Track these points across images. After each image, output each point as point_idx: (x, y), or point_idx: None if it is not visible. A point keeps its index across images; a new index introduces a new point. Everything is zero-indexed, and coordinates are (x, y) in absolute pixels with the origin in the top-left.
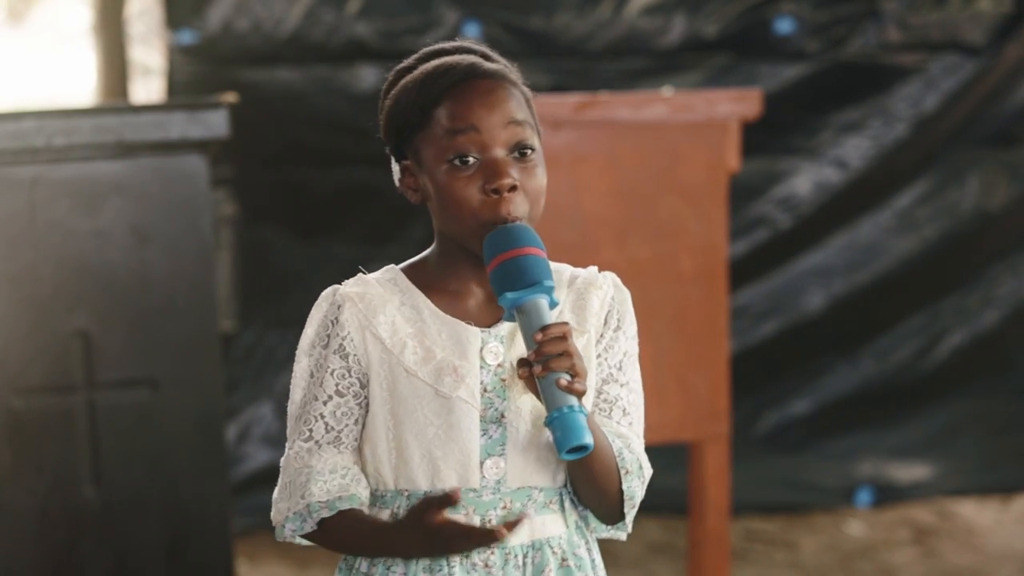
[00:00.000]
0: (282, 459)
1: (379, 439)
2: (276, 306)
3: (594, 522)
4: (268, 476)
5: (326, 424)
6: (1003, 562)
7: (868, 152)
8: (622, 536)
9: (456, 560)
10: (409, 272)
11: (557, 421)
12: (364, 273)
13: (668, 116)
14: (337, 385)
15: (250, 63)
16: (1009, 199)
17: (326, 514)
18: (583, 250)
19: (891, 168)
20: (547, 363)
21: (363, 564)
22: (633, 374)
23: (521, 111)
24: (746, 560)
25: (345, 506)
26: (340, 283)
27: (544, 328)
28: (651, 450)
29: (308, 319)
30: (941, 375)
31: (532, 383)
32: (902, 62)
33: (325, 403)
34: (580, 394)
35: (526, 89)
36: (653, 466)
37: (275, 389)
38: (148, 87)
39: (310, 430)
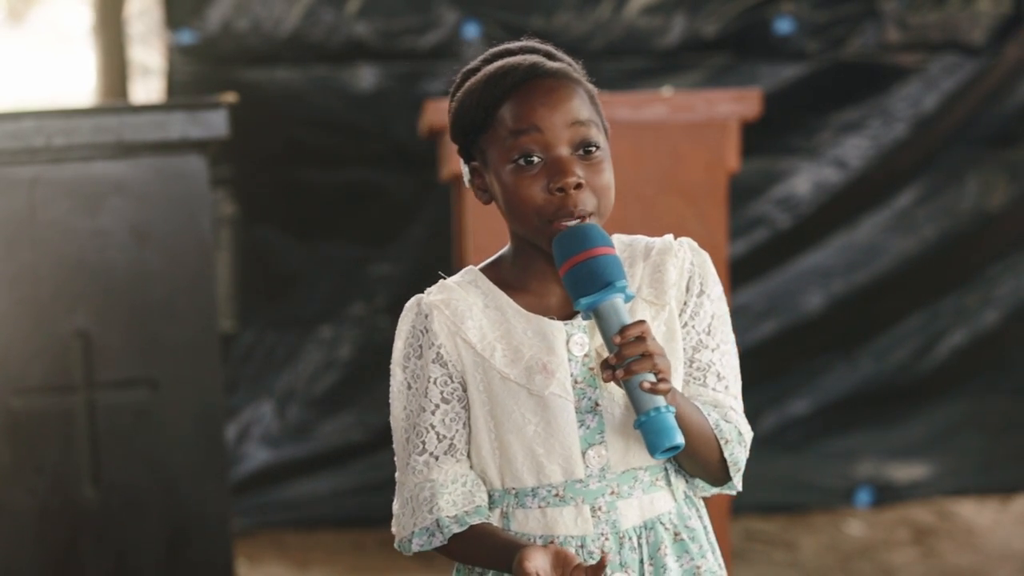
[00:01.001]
0: (397, 474)
1: (482, 442)
2: (275, 306)
3: (702, 484)
4: (267, 476)
5: (438, 434)
6: (1002, 562)
7: (867, 152)
8: (732, 492)
9: (572, 549)
10: (488, 272)
11: (646, 425)
12: (444, 278)
13: (668, 116)
14: (442, 392)
15: (250, 63)
16: (1008, 199)
17: (456, 529)
18: None
19: (890, 168)
20: (628, 367)
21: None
22: (723, 335)
23: (585, 109)
24: (746, 560)
25: (475, 520)
26: (423, 292)
27: (622, 331)
28: None
29: (396, 332)
30: (940, 375)
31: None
32: (901, 62)
33: (433, 412)
34: (664, 393)
35: (591, 86)
36: None
37: (275, 389)
38: (148, 87)
39: (423, 442)
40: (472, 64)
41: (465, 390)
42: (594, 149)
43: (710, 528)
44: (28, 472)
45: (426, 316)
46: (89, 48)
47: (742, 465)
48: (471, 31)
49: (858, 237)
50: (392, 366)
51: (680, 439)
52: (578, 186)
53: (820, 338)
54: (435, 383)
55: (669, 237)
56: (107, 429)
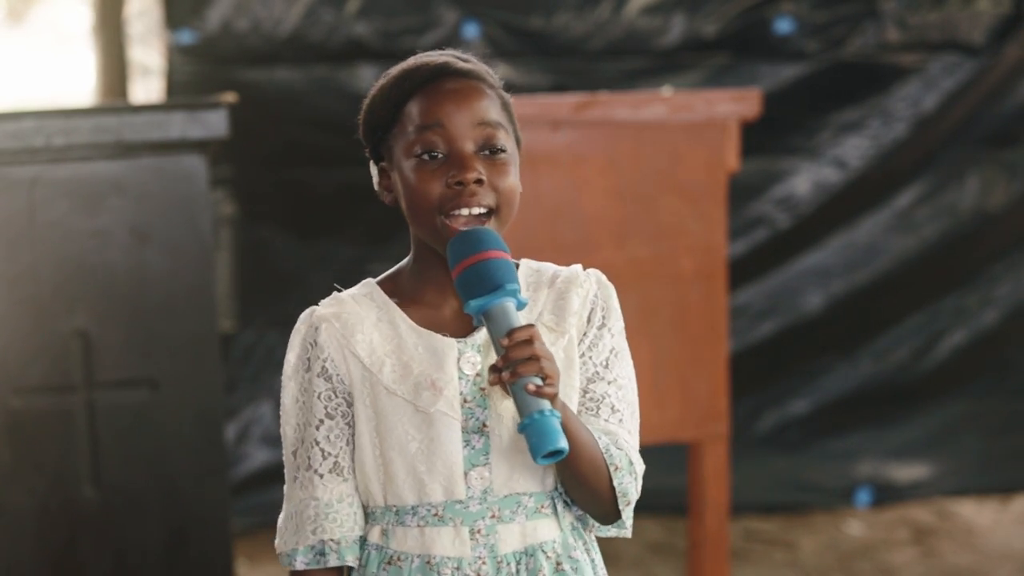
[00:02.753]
0: (285, 487)
1: (366, 457)
2: (275, 306)
3: (594, 522)
4: (267, 476)
5: (322, 450)
6: (1002, 562)
7: (867, 152)
8: (626, 534)
9: (448, 572)
10: (386, 285)
11: (529, 428)
12: (339, 291)
13: (667, 116)
14: (326, 407)
15: (249, 63)
16: (1008, 199)
17: (334, 562)
18: (583, 250)
19: (890, 168)
20: (515, 369)
21: None
22: (621, 370)
23: (493, 112)
24: (746, 560)
25: (351, 557)
26: (318, 300)
27: (510, 333)
28: (651, 450)
29: (289, 343)
30: (940, 375)
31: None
32: (901, 62)
33: (317, 427)
34: (550, 397)
35: (504, 93)
36: (652, 466)
37: (274, 389)
38: (148, 87)
39: (308, 458)
40: (390, 70)
41: (350, 406)
42: (500, 151)
43: (600, 564)
44: (28, 472)
45: (316, 329)
46: (89, 48)
47: (632, 499)
48: (471, 31)
49: (858, 237)
50: (283, 378)
51: (564, 443)
52: (478, 181)
53: (820, 338)
54: (319, 398)
55: (577, 267)
56: (107, 429)
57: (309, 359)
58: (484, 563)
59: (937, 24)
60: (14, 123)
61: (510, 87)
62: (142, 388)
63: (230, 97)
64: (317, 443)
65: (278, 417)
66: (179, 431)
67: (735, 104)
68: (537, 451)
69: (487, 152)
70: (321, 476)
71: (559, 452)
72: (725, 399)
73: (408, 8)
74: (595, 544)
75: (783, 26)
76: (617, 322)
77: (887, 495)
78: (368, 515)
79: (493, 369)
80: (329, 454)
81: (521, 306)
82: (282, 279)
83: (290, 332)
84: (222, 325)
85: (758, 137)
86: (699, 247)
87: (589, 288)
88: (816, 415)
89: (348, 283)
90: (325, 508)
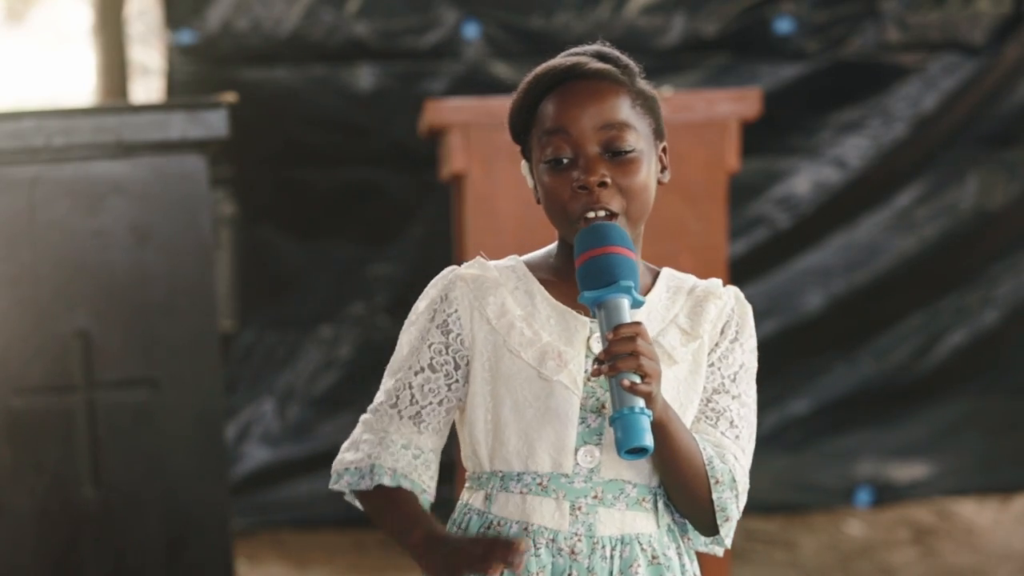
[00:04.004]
0: (364, 414)
1: (477, 419)
2: (275, 306)
3: (692, 533)
4: (267, 476)
5: (412, 395)
6: (1002, 562)
7: (867, 152)
8: (719, 551)
9: (543, 542)
10: (530, 263)
11: (618, 422)
12: (485, 259)
13: (668, 116)
14: (432, 359)
15: (249, 63)
16: (1008, 199)
17: (387, 481)
18: None
19: (890, 168)
20: (615, 363)
21: None
22: (747, 388)
23: (621, 112)
24: (746, 560)
25: (407, 485)
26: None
27: (616, 328)
28: None
29: (423, 293)
30: (940, 375)
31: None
32: (901, 62)
33: (416, 374)
34: (645, 395)
35: (644, 89)
36: None
37: (275, 388)
38: (148, 87)
39: (397, 396)
40: (535, 69)
41: (459, 368)
42: (625, 152)
43: (691, 571)
44: (28, 472)
45: (451, 284)
46: (89, 48)
47: (732, 516)
48: (471, 31)
49: (858, 237)
50: (407, 322)
51: (648, 441)
52: (602, 184)
53: (820, 338)
54: (430, 347)
55: (718, 281)
56: (107, 429)
57: (435, 310)
58: (580, 540)
59: (937, 24)
60: (14, 123)
61: (510, 87)
62: (142, 388)
63: (230, 97)
64: (410, 387)
65: (278, 416)
66: (179, 431)
67: (735, 104)
68: (622, 446)
69: (611, 154)
70: (401, 417)
71: (643, 450)
72: None
73: (408, 8)
74: (693, 555)
75: (783, 26)
76: (750, 340)
77: (887, 495)
78: (474, 481)
79: (596, 360)
80: (416, 401)
81: (637, 304)
82: (282, 279)
83: (290, 332)
84: (222, 325)
85: (758, 137)
86: (699, 247)
87: (727, 301)
88: (816, 415)
89: (348, 283)
90: (390, 444)
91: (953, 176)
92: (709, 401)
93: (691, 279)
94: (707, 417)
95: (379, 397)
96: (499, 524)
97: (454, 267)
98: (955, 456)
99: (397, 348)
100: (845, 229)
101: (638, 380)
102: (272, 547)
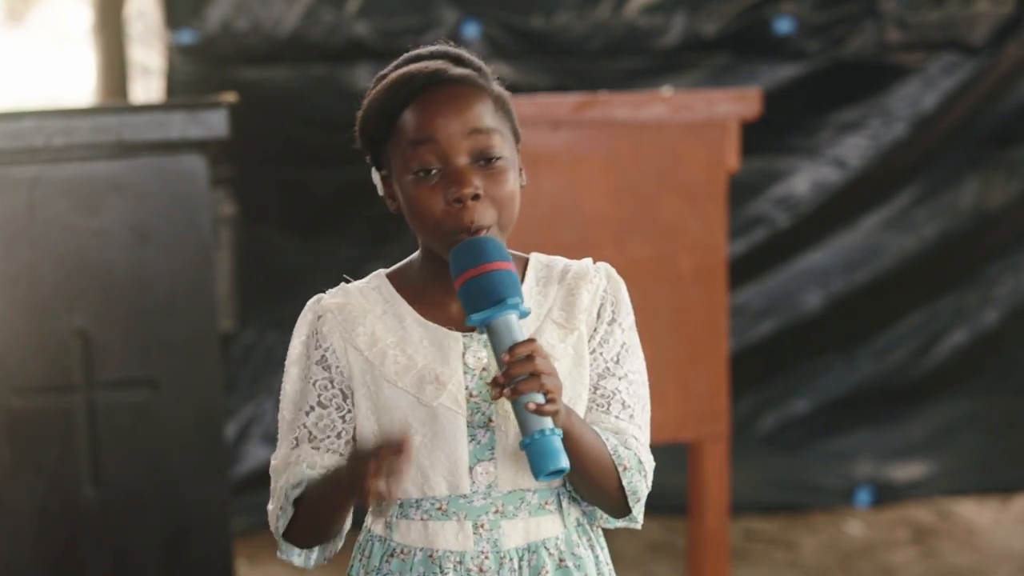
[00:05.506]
0: (270, 467)
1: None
2: (275, 306)
3: (602, 515)
4: (267, 476)
5: (309, 433)
6: (1002, 562)
7: (867, 152)
8: (635, 526)
9: (450, 566)
10: (394, 278)
11: (530, 447)
12: (348, 282)
13: (667, 116)
14: (319, 396)
15: (249, 63)
16: (1008, 198)
17: (297, 493)
18: (583, 250)
19: (890, 167)
20: (516, 386)
21: (361, 572)
22: (632, 365)
23: (487, 118)
24: (746, 560)
25: (311, 476)
26: (325, 291)
27: (511, 349)
28: (651, 450)
29: (295, 329)
30: (940, 375)
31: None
32: (901, 62)
33: (308, 413)
34: (552, 414)
35: (501, 91)
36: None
37: (274, 388)
38: (148, 87)
39: (296, 438)
40: (385, 70)
41: (348, 398)
42: (495, 159)
43: (603, 560)
44: (28, 472)
45: (319, 318)
46: (89, 48)
47: (642, 495)
48: (471, 31)
49: (857, 237)
50: (287, 362)
51: (564, 463)
52: (475, 197)
53: (819, 338)
54: (315, 385)
55: (587, 261)
56: (107, 429)
57: (310, 348)
58: (487, 558)
59: (937, 24)
60: (14, 123)
61: (511, 87)
62: (142, 388)
63: (230, 97)
64: (305, 427)
65: (278, 416)
66: (179, 431)
67: (735, 104)
68: (539, 471)
69: (482, 162)
70: (308, 450)
71: (559, 471)
72: (725, 399)
73: (408, 8)
74: (601, 540)
75: (783, 26)
76: (627, 317)
77: (887, 495)
78: (373, 506)
79: (495, 384)
80: (315, 437)
81: (523, 315)
82: (282, 279)
83: (290, 332)
84: (222, 325)
85: (758, 137)
86: (699, 247)
87: (599, 283)
88: (816, 415)
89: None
90: (294, 468)
91: (952, 176)
92: (596, 388)
93: (560, 263)
94: (598, 405)
95: (280, 448)
96: (403, 552)
97: (319, 296)
98: (955, 456)
99: (282, 393)
100: (844, 229)
101: (542, 400)
102: (272, 547)
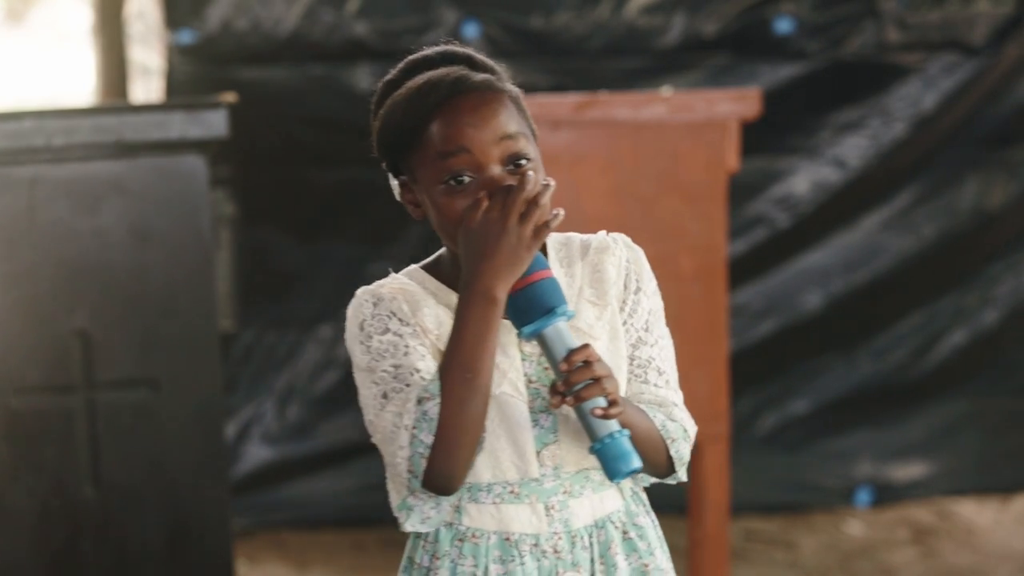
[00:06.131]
0: (376, 438)
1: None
2: (275, 306)
3: (647, 477)
4: (267, 476)
5: (398, 373)
6: (1002, 562)
7: (867, 152)
8: (676, 482)
9: (526, 549)
10: (432, 272)
11: (601, 452)
12: (394, 272)
13: (667, 116)
14: (407, 344)
15: (249, 63)
16: (1007, 199)
17: (435, 388)
18: None
19: (890, 168)
20: (578, 393)
21: (425, 558)
22: (660, 330)
23: (512, 121)
24: (746, 560)
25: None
26: (370, 283)
27: (567, 357)
28: None
29: (348, 319)
30: (940, 375)
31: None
32: (901, 62)
33: (407, 354)
34: (617, 417)
35: (515, 90)
36: None
37: (274, 388)
38: (147, 87)
39: (390, 390)
40: (392, 75)
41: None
42: (524, 162)
43: (657, 524)
44: (28, 472)
45: (390, 300)
46: (89, 48)
47: (687, 459)
48: (471, 31)
49: (857, 237)
50: (352, 351)
51: (637, 463)
52: None
53: (819, 338)
54: (400, 336)
55: (603, 234)
56: (107, 429)
57: (388, 328)
58: (560, 538)
59: (937, 24)
60: (14, 123)
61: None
62: (142, 388)
63: (230, 97)
64: (418, 371)
65: (278, 416)
66: (179, 431)
67: (735, 104)
68: (614, 474)
69: (512, 166)
70: (408, 380)
71: (634, 471)
72: (725, 399)
73: (408, 8)
74: (648, 503)
75: (783, 26)
76: (650, 282)
77: (887, 495)
78: None
79: (554, 392)
80: (409, 366)
81: (570, 318)
82: (282, 279)
83: (290, 332)
84: (222, 325)
85: (758, 137)
86: (699, 247)
87: (621, 254)
88: (816, 415)
89: (348, 283)
90: (423, 376)
91: (952, 176)
92: (632, 358)
93: (576, 239)
94: (635, 375)
95: (379, 417)
96: (475, 536)
97: (367, 288)
98: (955, 456)
99: (362, 390)
100: (844, 229)
101: (605, 404)
102: (272, 547)
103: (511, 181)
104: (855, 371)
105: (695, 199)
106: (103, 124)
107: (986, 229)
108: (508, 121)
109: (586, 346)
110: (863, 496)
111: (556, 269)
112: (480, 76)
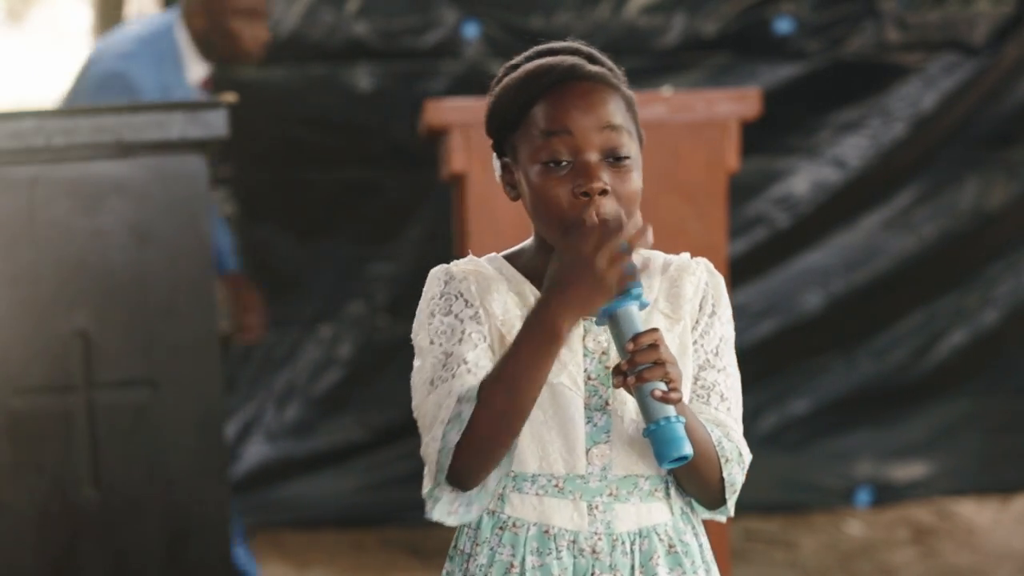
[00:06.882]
0: (417, 413)
1: None
2: (275, 306)
3: (697, 506)
4: (267, 475)
5: (468, 369)
6: (1002, 562)
7: (867, 151)
8: (722, 519)
9: (564, 544)
10: (511, 260)
11: (655, 434)
12: (475, 258)
13: (668, 116)
14: (466, 326)
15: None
16: (1007, 198)
17: (474, 383)
18: None
19: (889, 167)
20: (640, 374)
21: (467, 544)
22: (729, 359)
23: (619, 116)
24: (746, 560)
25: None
26: (445, 262)
27: (635, 338)
28: None
29: (424, 293)
30: (940, 375)
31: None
32: (901, 62)
33: (460, 342)
34: (676, 402)
35: (630, 93)
36: None
37: (274, 388)
38: None
39: (452, 375)
40: (515, 60)
41: (486, 327)
42: (624, 158)
43: (707, 547)
44: (28, 472)
45: (460, 280)
46: (89, 48)
47: (738, 487)
48: (471, 31)
49: (857, 237)
50: (416, 325)
51: (689, 450)
52: (603, 192)
53: (819, 338)
54: (471, 336)
55: (686, 255)
56: (107, 429)
57: (451, 307)
58: (600, 539)
59: (937, 24)
60: (14, 123)
61: None
62: (142, 388)
63: (230, 97)
64: (465, 362)
65: (278, 416)
66: (179, 431)
67: (735, 104)
68: (663, 457)
69: (611, 159)
70: (464, 357)
71: (684, 458)
72: None
73: (408, 8)
74: (702, 528)
75: (783, 26)
76: (726, 310)
77: (887, 495)
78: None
79: (617, 372)
80: (468, 351)
81: (643, 306)
82: (282, 279)
83: (290, 332)
84: (222, 326)
85: (758, 137)
86: (699, 247)
87: (700, 276)
88: (816, 415)
89: (348, 283)
90: (470, 368)
91: (952, 176)
92: (697, 379)
93: (659, 257)
94: (698, 396)
95: (429, 392)
96: (515, 526)
97: (445, 265)
98: (955, 456)
99: (418, 359)
100: (844, 229)
101: (665, 388)
102: (272, 547)
103: (604, 175)
104: (855, 371)
105: (695, 199)
106: (103, 124)
107: (986, 229)
108: (615, 113)
109: (654, 330)
110: (863, 496)
111: None
112: (595, 68)
